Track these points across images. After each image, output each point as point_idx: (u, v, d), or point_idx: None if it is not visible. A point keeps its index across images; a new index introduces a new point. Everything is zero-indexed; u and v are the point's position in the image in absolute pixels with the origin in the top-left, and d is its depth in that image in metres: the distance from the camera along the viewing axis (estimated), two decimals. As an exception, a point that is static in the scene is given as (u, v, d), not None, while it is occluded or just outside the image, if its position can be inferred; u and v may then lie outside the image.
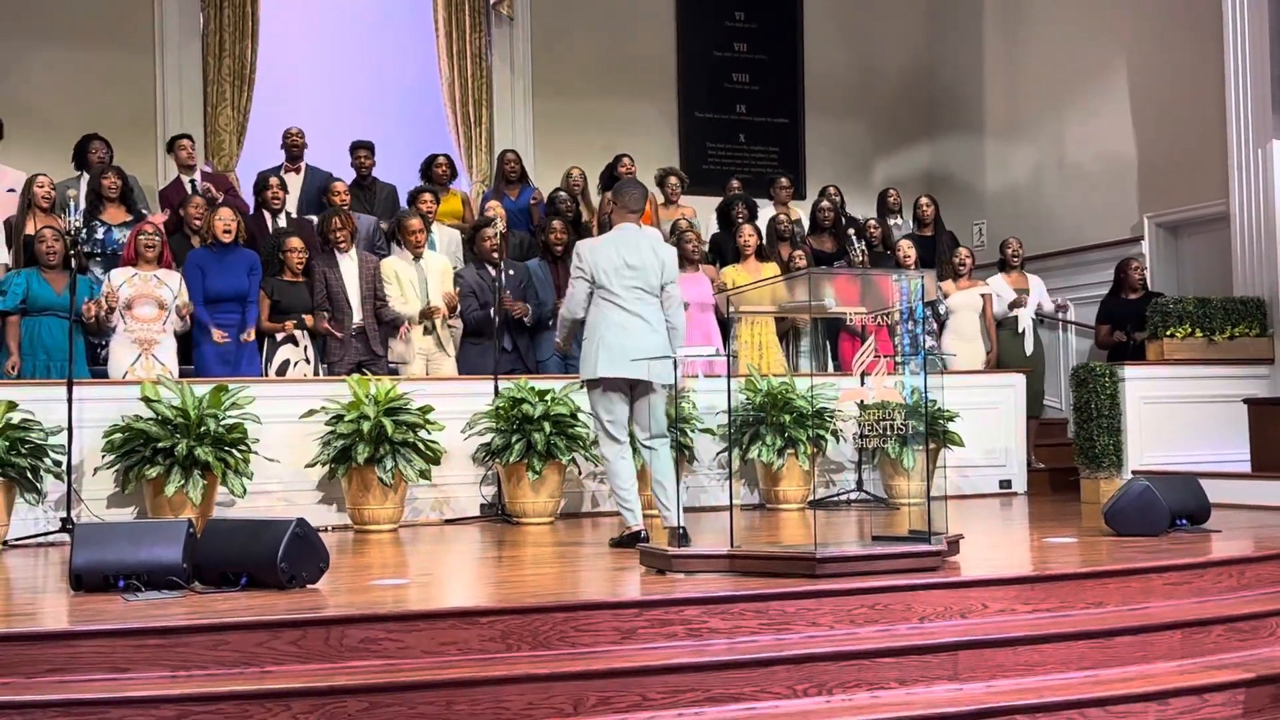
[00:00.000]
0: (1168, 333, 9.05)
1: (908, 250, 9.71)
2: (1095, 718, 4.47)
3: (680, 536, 5.81)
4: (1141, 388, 8.88)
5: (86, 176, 9.01)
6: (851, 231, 10.29)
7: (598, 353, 6.16)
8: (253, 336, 8.01)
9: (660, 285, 6.22)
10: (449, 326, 8.61)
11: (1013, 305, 9.79)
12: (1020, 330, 9.81)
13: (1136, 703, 4.53)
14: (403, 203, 9.58)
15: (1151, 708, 4.54)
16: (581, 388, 6.47)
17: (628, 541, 6.13)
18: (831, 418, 8.33)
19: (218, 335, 7.88)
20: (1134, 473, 8.44)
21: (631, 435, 6.38)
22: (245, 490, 7.11)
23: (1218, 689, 4.66)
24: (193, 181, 9.34)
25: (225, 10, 10.98)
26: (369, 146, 9.90)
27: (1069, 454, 9.26)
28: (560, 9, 12.02)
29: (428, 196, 9.18)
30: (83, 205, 8.49)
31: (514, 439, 7.67)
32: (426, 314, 8.34)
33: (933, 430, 8.33)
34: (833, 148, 12.85)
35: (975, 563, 5.45)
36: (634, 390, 6.26)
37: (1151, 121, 10.83)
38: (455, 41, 11.60)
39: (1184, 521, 6.57)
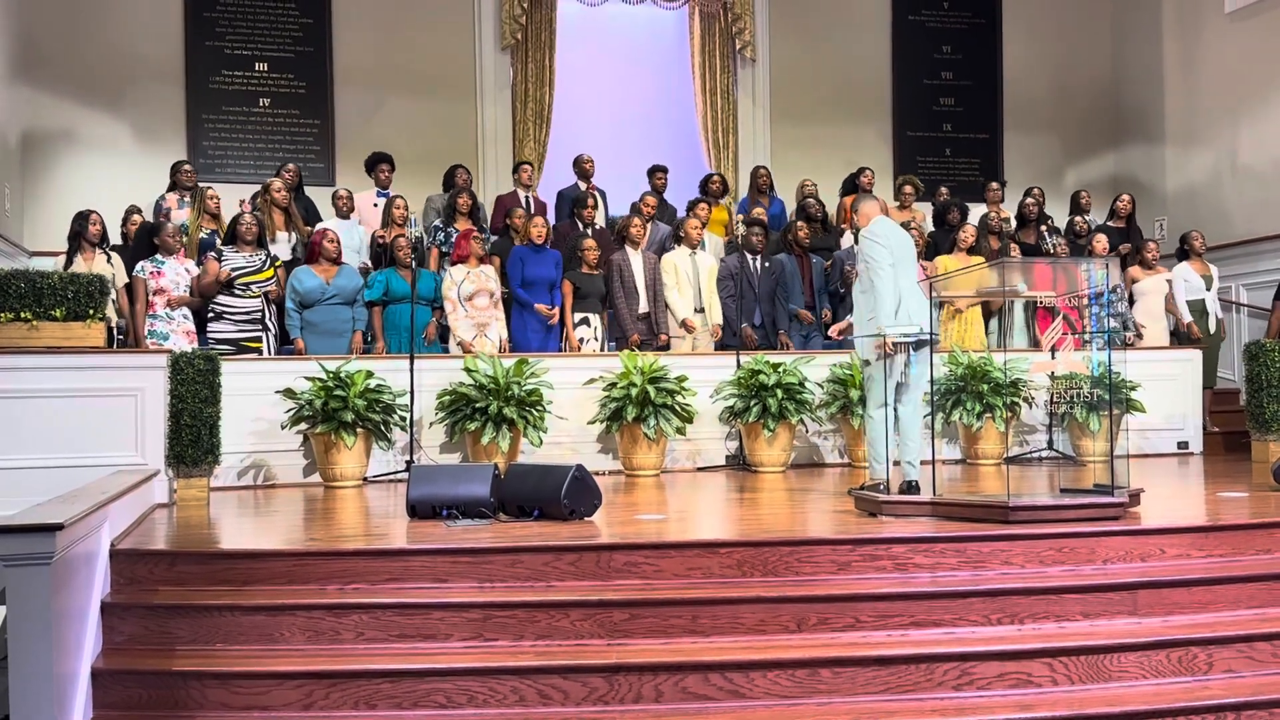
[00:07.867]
0: (1334, 314, 8.22)
1: (1102, 241, 9.09)
2: (1263, 651, 4.12)
3: (909, 487, 5.42)
4: (1310, 361, 8.05)
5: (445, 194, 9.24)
6: (1044, 228, 9.71)
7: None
8: (557, 316, 8.17)
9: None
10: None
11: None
12: (1207, 311, 9.14)
13: (1303, 639, 4.12)
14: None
15: (1317, 644, 4.13)
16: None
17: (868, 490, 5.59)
18: (1025, 386, 7.87)
19: (544, 310, 8.07)
20: (1302, 436, 7.69)
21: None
22: (541, 441, 7.23)
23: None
24: (528, 198, 9.51)
25: (529, 66, 11.20)
26: (664, 169, 9.87)
27: (1241, 419, 8.50)
28: (793, 50, 11.74)
29: (704, 206, 9.28)
30: (441, 216, 8.93)
31: (752, 403, 7.56)
32: (687, 325, 8.28)
33: (1116, 397, 7.79)
34: (1027, 157, 12.17)
35: (1154, 513, 5.07)
36: (902, 353, 5.55)
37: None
38: (707, 81, 11.53)
39: (1348, 479, 6.02)
